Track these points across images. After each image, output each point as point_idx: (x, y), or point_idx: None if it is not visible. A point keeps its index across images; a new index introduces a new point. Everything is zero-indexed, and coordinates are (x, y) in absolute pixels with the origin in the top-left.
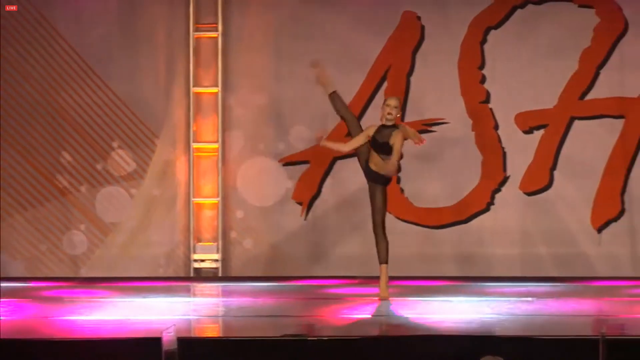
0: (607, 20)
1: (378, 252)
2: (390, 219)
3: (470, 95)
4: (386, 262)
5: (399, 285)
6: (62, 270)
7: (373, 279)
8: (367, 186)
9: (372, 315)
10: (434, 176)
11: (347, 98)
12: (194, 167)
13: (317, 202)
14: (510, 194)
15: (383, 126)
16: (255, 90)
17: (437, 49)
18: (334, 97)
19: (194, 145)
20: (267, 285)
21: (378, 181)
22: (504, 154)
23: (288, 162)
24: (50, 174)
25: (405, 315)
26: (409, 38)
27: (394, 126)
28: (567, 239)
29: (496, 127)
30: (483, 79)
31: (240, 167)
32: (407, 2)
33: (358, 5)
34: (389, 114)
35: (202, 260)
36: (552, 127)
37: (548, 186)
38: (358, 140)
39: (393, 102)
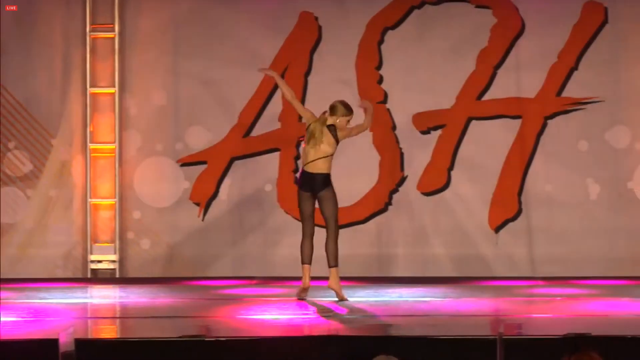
0: (504, 20)
1: None
2: (289, 220)
3: (368, 96)
4: (333, 266)
5: (295, 286)
6: None
7: (270, 279)
8: (266, 185)
9: (270, 316)
10: (332, 176)
11: (246, 97)
12: (91, 168)
13: (215, 203)
14: (408, 194)
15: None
16: (153, 90)
17: (335, 49)
18: None
19: (91, 145)
20: (165, 286)
21: None
22: (402, 154)
23: (186, 163)
24: None
25: (302, 316)
26: (307, 38)
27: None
28: (465, 239)
29: (394, 127)
30: (380, 80)
31: (137, 167)
32: (305, 2)
33: (256, 4)
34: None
35: (100, 261)
36: (449, 127)
37: (445, 186)
38: (301, 109)
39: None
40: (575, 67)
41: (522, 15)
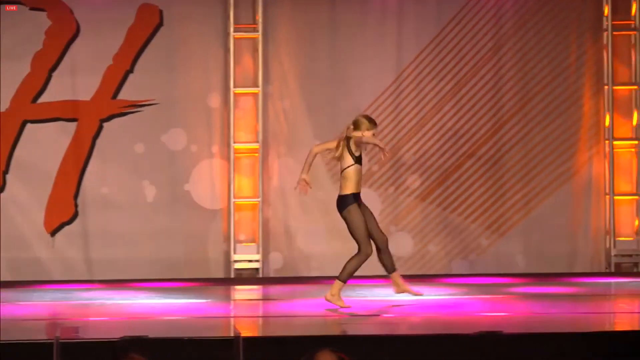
0: (59, 23)
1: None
2: None
3: None
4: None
5: None
6: None
7: None
8: None
9: None
10: None
11: None
12: None
13: None
14: None
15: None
16: None
17: None
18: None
19: None
20: None
21: None
22: None
23: None
24: None
25: None
26: None
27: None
28: (21, 243)
29: None
30: None
31: None
32: None
33: None
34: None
35: None
36: (4, 130)
37: (1, 190)
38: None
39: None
40: (130, 70)
41: (77, 18)
